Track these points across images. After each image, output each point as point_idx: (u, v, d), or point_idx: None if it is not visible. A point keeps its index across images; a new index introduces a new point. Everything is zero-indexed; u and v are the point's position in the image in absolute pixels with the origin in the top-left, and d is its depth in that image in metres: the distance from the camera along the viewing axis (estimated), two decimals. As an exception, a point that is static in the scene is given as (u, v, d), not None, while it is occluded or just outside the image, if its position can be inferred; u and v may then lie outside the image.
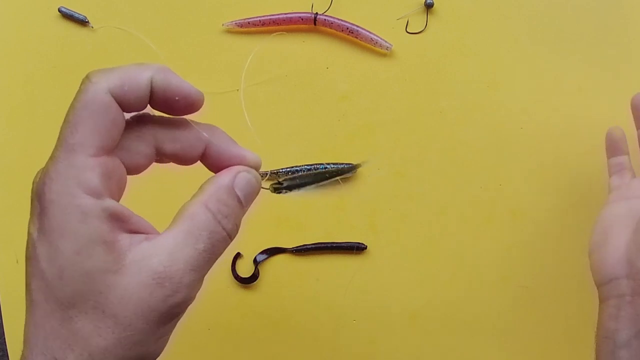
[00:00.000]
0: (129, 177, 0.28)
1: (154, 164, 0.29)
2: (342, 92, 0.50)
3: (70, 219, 0.24)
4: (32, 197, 0.26)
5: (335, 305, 0.50)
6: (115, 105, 0.25)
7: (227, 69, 0.51)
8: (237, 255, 0.50)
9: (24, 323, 0.26)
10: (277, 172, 0.49)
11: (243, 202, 0.29)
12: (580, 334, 0.50)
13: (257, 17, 0.50)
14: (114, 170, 0.26)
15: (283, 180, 0.32)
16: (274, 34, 0.50)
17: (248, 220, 0.49)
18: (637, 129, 0.45)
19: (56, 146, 0.25)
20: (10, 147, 0.51)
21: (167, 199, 0.46)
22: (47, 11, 0.51)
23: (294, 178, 0.32)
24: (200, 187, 0.28)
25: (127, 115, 0.27)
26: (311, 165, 0.49)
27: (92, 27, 0.51)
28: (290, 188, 0.32)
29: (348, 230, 0.50)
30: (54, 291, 0.25)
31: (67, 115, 0.25)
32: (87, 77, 0.26)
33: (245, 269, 0.50)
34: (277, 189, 0.32)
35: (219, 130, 0.30)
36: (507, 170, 0.50)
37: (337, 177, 0.35)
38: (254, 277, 0.50)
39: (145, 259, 0.25)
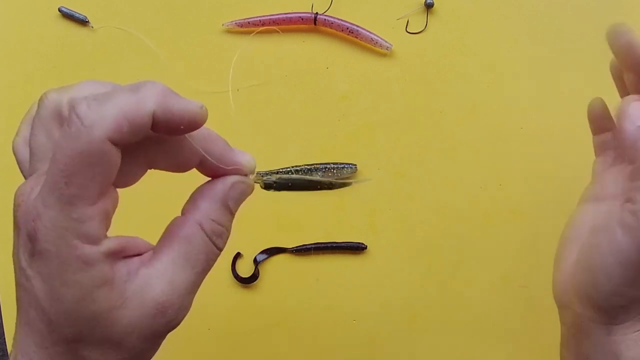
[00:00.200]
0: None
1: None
2: (342, 92, 0.50)
3: (71, 269, 0.23)
4: (19, 226, 0.24)
5: (335, 305, 0.50)
6: (113, 150, 0.23)
7: (227, 69, 0.51)
8: (237, 255, 0.50)
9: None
10: (277, 172, 0.49)
11: (234, 210, 0.28)
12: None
13: (257, 17, 0.50)
14: (110, 204, 0.25)
15: (277, 179, 0.32)
16: (274, 34, 0.51)
17: (248, 220, 0.49)
18: (593, 135, 0.39)
19: (48, 188, 0.23)
20: (10, 147, 0.51)
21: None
22: (47, 11, 0.51)
23: (287, 181, 0.32)
24: (192, 198, 0.28)
25: None
26: (311, 165, 0.49)
27: (92, 27, 0.51)
28: (279, 188, 0.32)
29: (348, 230, 0.50)
30: (58, 328, 0.24)
31: (57, 158, 0.22)
32: (77, 115, 0.22)
33: (245, 269, 0.50)
34: (268, 186, 0.32)
35: (213, 136, 0.28)
36: (507, 170, 0.50)
37: (329, 189, 0.34)
38: (254, 277, 0.50)
39: (145, 288, 0.25)
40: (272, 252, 0.50)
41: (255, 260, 0.50)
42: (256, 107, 0.51)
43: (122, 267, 0.25)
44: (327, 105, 0.51)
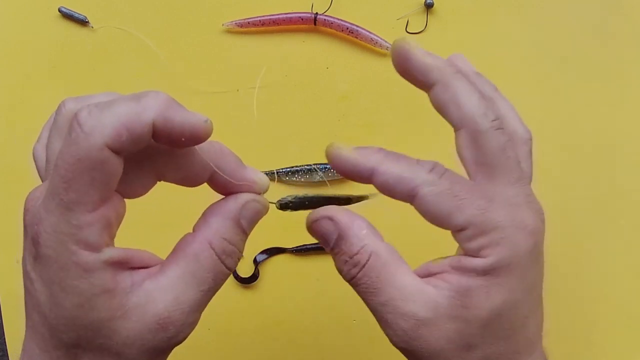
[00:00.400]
0: None
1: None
2: (342, 92, 0.50)
3: (70, 275, 0.23)
4: (26, 230, 0.25)
5: (335, 305, 0.50)
6: (113, 158, 0.23)
7: (227, 69, 0.51)
8: (237, 255, 0.50)
9: (23, 326, 0.26)
10: (277, 172, 0.49)
11: (247, 230, 0.28)
12: (579, 334, 0.50)
13: (257, 17, 0.50)
14: (114, 213, 0.25)
15: (293, 199, 0.30)
16: (274, 34, 0.51)
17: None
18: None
19: (49, 193, 0.23)
20: (10, 147, 0.51)
21: (169, 204, 0.46)
22: (47, 11, 0.51)
23: (304, 199, 0.31)
24: (204, 215, 0.27)
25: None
26: (311, 165, 0.49)
27: (92, 27, 0.51)
28: (296, 207, 0.31)
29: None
30: (58, 333, 0.25)
31: (58, 163, 0.23)
32: (78, 122, 0.22)
33: (245, 269, 0.50)
34: (284, 206, 0.31)
35: (225, 152, 0.27)
36: (507, 170, 0.50)
37: (347, 205, 0.33)
38: (254, 277, 0.50)
39: (149, 303, 0.25)
40: (272, 252, 0.50)
41: (255, 260, 0.50)
42: (256, 107, 0.51)
43: (126, 278, 0.25)
44: (327, 105, 0.51)
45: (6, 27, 0.51)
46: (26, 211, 0.25)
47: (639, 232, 0.50)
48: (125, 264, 0.25)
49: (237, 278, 0.50)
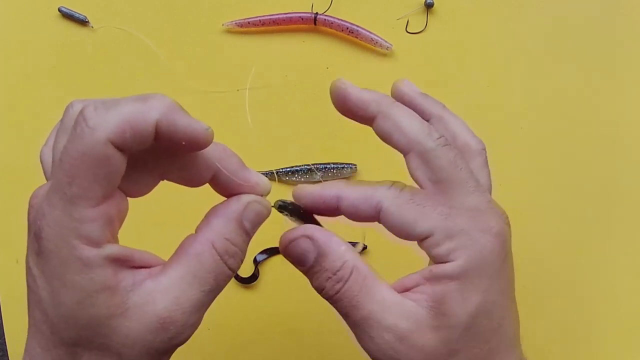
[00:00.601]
0: None
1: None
2: (342, 92, 0.50)
3: (70, 270, 0.23)
4: (29, 226, 0.25)
5: (335, 305, 0.50)
6: (116, 154, 0.23)
7: (227, 69, 0.51)
8: (237, 255, 0.50)
9: (25, 325, 0.26)
10: (277, 172, 0.49)
11: (250, 233, 0.28)
12: (579, 334, 0.50)
13: (257, 17, 0.50)
14: (116, 210, 0.25)
15: (290, 204, 0.30)
16: (274, 34, 0.51)
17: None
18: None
19: (53, 188, 0.24)
20: (10, 147, 0.51)
21: (171, 205, 0.46)
22: (47, 11, 0.51)
23: (300, 209, 0.31)
24: (206, 216, 0.27)
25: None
26: (311, 165, 0.49)
27: (92, 27, 0.51)
28: (292, 214, 0.31)
29: (348, 230, 0.50)
30: (59, 331, 0.25)
31: (62, 158, 0.23)
32: (83, 117, 0.23)
33: (245, 269, 0.50)
34: (282, 208, 0.30)
35: (228, 153, 0.28)
36: (507, 170, 0.50)
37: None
38: (254, 277, 0.50)
39: (149, 302, 0.25)
40: (272, 252, 0.50)
41: (255, 260, 0.50)
42: (256, 107, 0.51)
43: (128, 277, 0.25)
44: (327, 105, 0.50)
45: (6, 27, 0.51)
46: (30, 207, 0.25)
47: (639, 232, 0.50)
48: (126, 262, 0.25)
49: (237, 278, 0.50)
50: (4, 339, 0.51)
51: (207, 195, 0.28)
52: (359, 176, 0.50)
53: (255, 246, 0.50)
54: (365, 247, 0.49)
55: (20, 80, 0.51)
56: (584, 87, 0.50)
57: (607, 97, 0.50)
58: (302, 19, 0.49)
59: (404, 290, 0.28)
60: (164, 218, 0.48)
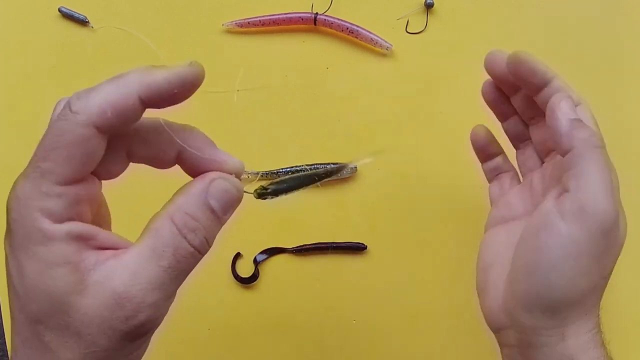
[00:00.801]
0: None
1: (131, 164, 0.28)
2: (342, 92, 0.50)
3: (32, 240, 0.24)
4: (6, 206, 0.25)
5: (335, 305, 0.50)
6: (96, 136, 0.24)
7: (227, 69, 0.51)
8: (237, 255, 0.50)
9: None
10: (269, 173, 0.49)
11: (219, 212, 0.27)
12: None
13: (257, 17, 0.50)
14: (85, 192, 0.25)
15: (269, 185, 0.30)
16: (274, 34, 0.51)
17: (248, 220, 0.49)
18: (482, 163, 0.41)
19: (30, 162, 0.25)
20: (10, 147, 0.51)
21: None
22: (47, 11, 0.51)
23: (281, 182, 0.30)
24: (172, 196, 0.27)
25: None
26: (311, 165, 0.49)
27: (92, 27, 0.51)
28: (276, 193, 0.30)
29: (348, 230, 0.50)
30: (24, 307, 0.25)
31: (43, 137, 0.25)
32: (68, 104, 0.24)
33: (245, 269, 0.50)
34: (262, 194, 0.29)
35: (196, 132, 0.28)
36: (507, 170, 0.50)
37: (327, 179, 0.32)
38: (254, 277, 0.50)
39: (108, 278, 0.24)
40: (272, 252, 0.50)
41: (255, 260, 0.50)
42: (256, 107, 0.51)
43: (91, 256, 0.25)
44: (327, 105, 0.51)
45: (6, 27, 0.51)
46: (10, 191, 0.25)
47: (639, 232, 0.50)
48: (90, 241, 0.25)
49: (237, 278, 0.50)
50: (4, 339, 0.51)
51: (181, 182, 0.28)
52: (359, 176, 0.50)
53: (255, 246, 0.50)
54: (365, 247, 0.50)
55: (20, 80, 0.51)
56: (584, 87, 0.50)
57: (607, 96, 0.50)
58: (302, 19, 0.49)
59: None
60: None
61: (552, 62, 0.51)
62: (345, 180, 0.50)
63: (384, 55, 0.50)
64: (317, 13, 0.49)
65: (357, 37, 0.49)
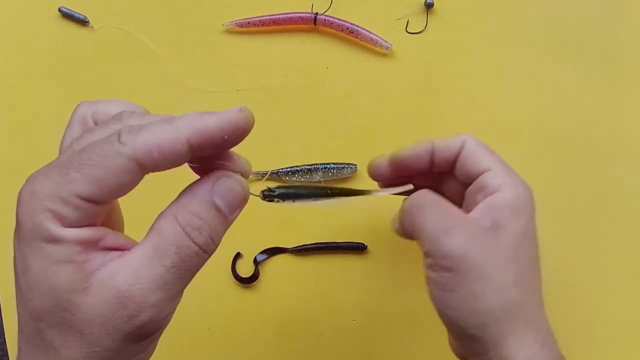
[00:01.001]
0: None
1: None
2: (342, 92, 0.50)
3: (39, 237, 0.24)
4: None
5: (335, 305, 0.50)
6: (135, 172, 0.24)
7: (227, 69, 0.51)
8: (237, 255, 0.50)
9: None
10: (277, 172, 0.49)
11: (225, 211, 0.27)
12: (578, 334, 0.50)
13: (257, 17, 0.50)
14: (102, 210, 0.25)
15: (276, 188, 0.30)
16: (274, 34, 0.51)
17: (248, 220, 0.49)
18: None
19: (57, 165, 0.24)
20: (10, 147, 0.51)
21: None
22: (47, 11, 0.51)
23: (290, 187, 0.30)
24: (178, 195, 0.27)
25: None
26: (311, 165, 0.49)
27: (92, 27, 0.51)
28: (282, 197, 0.30)
29: (348, 230, 0.50)
30: (26, 303, 0.25)
31: (85, 149, 0.24)
32: (118, 133, 0.24)
33: (245, 269, 0.50)
34: (268, 196, 0.29)
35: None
36: (507, 170, 0.50)
37: (341, 197, 0.32)
38: (254, 277, 0.50)
39: (111, 277, 0.24)
40: (272, 252, 0.50)
41: (255, 260, 0.50)
42: (256, 107, 0.51)
43: (98, 257, 0.25)
44: (327, 105, 0.51)
45: (6, 27, 0.51)
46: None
47: (639, 232, 0.50)
48: (97, 242, 0.25)
49: (237, 278, 0.50)
50: (4, 338, 0.51)
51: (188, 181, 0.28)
52: (359, 176, 0.50)
53: (255, 246, 0.50)
54: (365, 247, 0.50)
55: (20, 80, 0.51)
56: (584, 87, 0.50)
57: (607, 96, 0.50)
58: (302, 19, 0.49)
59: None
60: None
61: (552, 62, 0.51)
62: (345, 180, 0.50)
63: (384, 55, 0.50)
64: (317, 13, 0.49)
65: (357, 37, 0.49)
